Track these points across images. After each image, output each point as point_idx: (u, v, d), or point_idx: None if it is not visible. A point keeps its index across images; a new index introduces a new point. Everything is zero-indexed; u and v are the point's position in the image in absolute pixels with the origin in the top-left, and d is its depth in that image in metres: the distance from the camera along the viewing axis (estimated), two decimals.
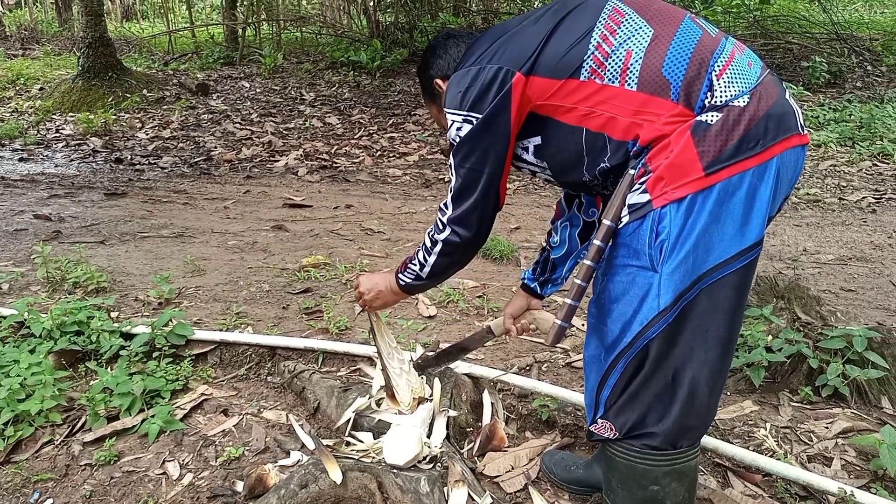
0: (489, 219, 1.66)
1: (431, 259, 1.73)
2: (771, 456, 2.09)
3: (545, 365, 2.66)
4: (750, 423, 2.30)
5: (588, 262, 1.52)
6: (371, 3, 12.29)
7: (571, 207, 1.91)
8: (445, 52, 1.71)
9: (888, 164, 6.11)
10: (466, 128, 1.55)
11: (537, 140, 1.58)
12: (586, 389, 1.64)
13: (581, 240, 1.91)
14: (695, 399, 1.49)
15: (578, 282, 1.55)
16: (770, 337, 2.53)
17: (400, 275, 1.85)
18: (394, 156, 6.96)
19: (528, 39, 1.53)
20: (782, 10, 11.83)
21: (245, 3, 12.97)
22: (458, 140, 1.58)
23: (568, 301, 1.58)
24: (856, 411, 2.36)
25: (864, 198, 5.23)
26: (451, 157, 1.62)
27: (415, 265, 1.79)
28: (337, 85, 10.08)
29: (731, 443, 2.15)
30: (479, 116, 1.53)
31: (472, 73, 1.54)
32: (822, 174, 5.83)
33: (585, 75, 1.47)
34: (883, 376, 2.39)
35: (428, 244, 1.72)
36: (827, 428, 2.27)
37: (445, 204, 1.66)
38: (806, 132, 1.48)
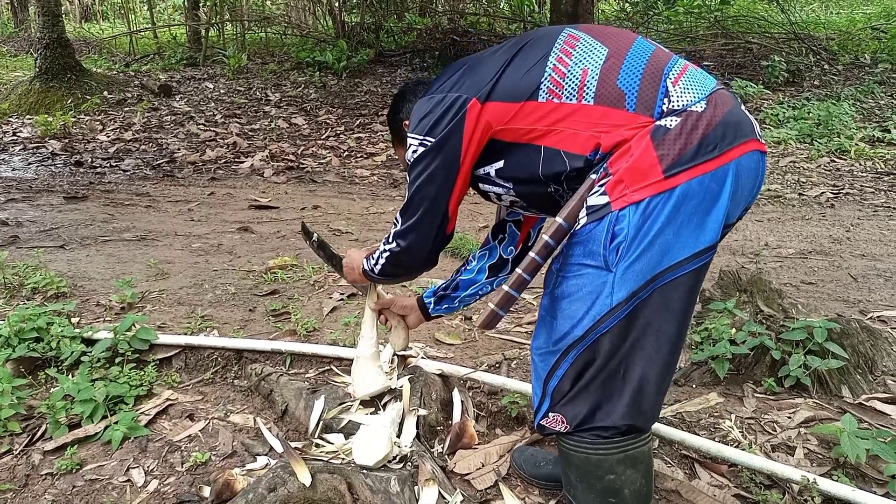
0: (432, 241, 1.70)
1: (381, 261, 1.82)
2: (736, 446, 2.12)
3: (514, 362, 2.67)
4: (715, 414, 2.34)
5: (534, 256, 1.58)
6: (336, 4, 12.22)
7: (496, 238, 1.99)
8: (415, 96, 1.77)
9: (845, 160, 6.26)
10: (420, 150, 1.62)
11: (499, 164, 1.64)
12: (533, 380, 1.66)
13: (489, 272, 1.99)
14: (643, 394, 1.52)
15: (521, 273, 1.60)
16: (734, 330, 2.57)
17: (364, 259, 1.93)
18: (361, 156, 6.93)
19: (486, 68, 1.60)
20: (742, 10, 12.06)
21: (208, 3, 12.79)
22: (412, 160, 1.64)
23: (506, 288, 1.63)
24: (817, 401, 2.41)
25: (822, 193, 5.35)
26: (407, 175, 1.70)
27: (372, 259, 1.87)
28: (303, 85, 10.00)
29: (698, 434, 2.18)
30: (433, 140, 1.59)
31: (433, 100, 1.61)
32: (782, 171, 5.95)
33: (543, 96, 1.52)
34: (843, 366, 2.44)
35: (381, 247, 1.81)
36: (790, 418, 2.31)
37: (396, 217, 1.73)
38: (763, 141, 1.53)
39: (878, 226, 4.57)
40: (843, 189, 5.46)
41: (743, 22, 11.17)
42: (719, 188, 1.43)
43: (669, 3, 11.92)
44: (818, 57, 9.62)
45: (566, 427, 1.59)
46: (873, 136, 6.75)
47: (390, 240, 1.75)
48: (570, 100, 1.51)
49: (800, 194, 5.35)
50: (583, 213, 1.50)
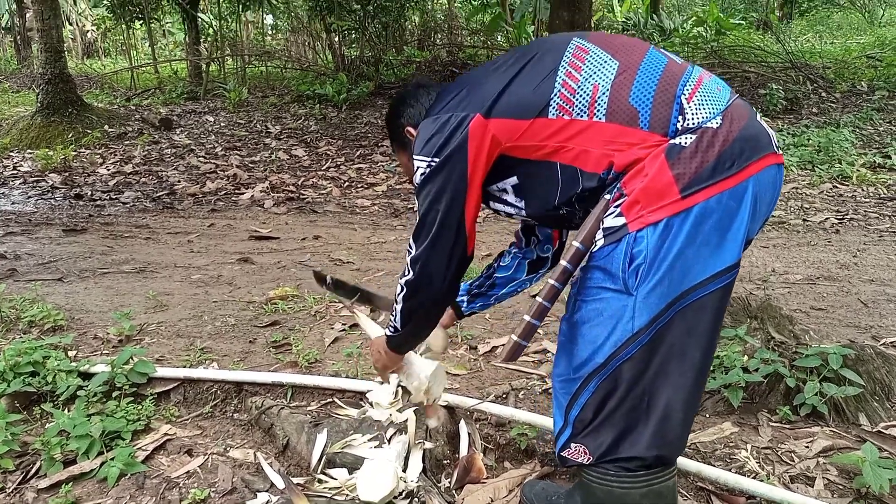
0: (449, 262, 1.60)
1: (399, 305, 1.70)
2: (753, 478, 2.05)
3: (522, 392, 2.60)
4: (731, 444, 2.27)
5: (553, 282, 1.52)
6: (336, 39, 12.35)
7: (529, 242, 1.95)
8: (416, 100, 1.73)
9: (847, 185, 6.24)
10: (427, 171, 1.58)
11: (514, 180, 1.60)
12: (554, 408, 1.60)
13: (529, 269, 1.94)
14: (669, 422, 1.46)
15: (541, 301, 1.54)
16: (746, 357, 2.51)
17: (386, 330, 1.81)
18: (362, 186, 6.92)
19: (491, 84, 1.56)
20: (738, 40, 12.20)
21: (209, 39, 12.94)
22: (419, 183, 1.60)
23: (527, 318, 1.57)
24: (835, 429, 2.34)
25: (826, 219, 5.32)
26: (416, 198, 1.64)
27: (392, 317, 1.75)
28: (303, 118, 10.05)
29: (713, 465, 2.11)
30: (438, 160, 1.55)
31: (439, 120, 1.57)
32: (785, 197, 5.92)
33: (553, 113, 1.48)
34: (859, 393, 2.38)
35: (397, 290, 1.70)
36: (807, 447, 2.24)
37: (409, 244, 1.65)
38: (780, 152, 1.49)
39: (885, 251, 4.52)
40: (847, 215, 5.43)
41: (739, 51, 11.29)
42: (738, 205, 1.39)
43: (666, 36, 12.06)
44: (815, 85, 9.69)
45: (589, 458, 1.53)
46: (874, 161, 6.75)
47: (406, 271, 1.66)
48: (581, 116, 1.47)
49: (804, 220, 5.31)
50: (599, 234, 1.46)
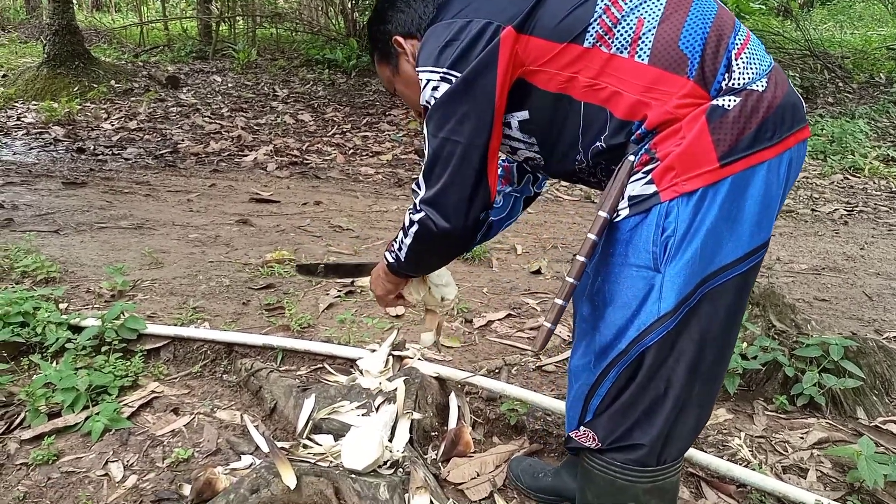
0: (470, 207, 1.38)
1: (407, 240, 1.50)
2: (745, 466, 2.01)
3: (515, 368, 2.56)
4: (724, 431, 2.23)
5: (581, 258, 1.34)
6: (349, 3, 12.16)
7: (523, 180, 1.76)
8: (408, 5, 1.48)
9: (859, 177, 6.16)
10: (444, 87, 1.33)
11: (524, 115, 1.39)
12: (569, 397, 1.47)
13: (524, 206, 1.78)
14: (685, 412, 1.36)
15: (571, 280, 1.35)
16: (745, 344, 2.47)
17: (386, 252, 1.63)
18: (367, 154, 6.84)
19: None
20: (757, 24, 11.97)
21: None
22: (432, 102, 1.35)
23: (559, 302, 1.37)
24: (831, 421, 2.30)
25: (835, 210, 5.24)
26: (424, 125, 1.39)
27: (395, 244, 1.57)
28: (311, 82, 9.93)
29: (705, 451, 2.07)
30: (459, 75, 1.31)
31: (455, 26, 1.33)
32: (795, 186, 5.84)
33: (590, 41, 1.29)
34: (859, 386, 2.34)
35: (405, 221, 1.49)
36: (802, 438, 2.20)
37: (417, 182, 1.43)
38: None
39: (893, 245, 4.46)
40: (856, 207, 5.35)
41: (758, 36, 11.05)
42: (775, 179, 1.27)
43: None
44: (833, 74, 9.53)
45: (597, 444, 1.41)
46: (888, 154, 6.65)
47: (416, 209, 1.43)
48: (622, 53, 1.28)
49: (812, 210, 5.24)
50: (623, 203, 1.30)
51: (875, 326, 3.11)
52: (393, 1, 1.51)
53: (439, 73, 1.33)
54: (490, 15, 1.32)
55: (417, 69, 1.39)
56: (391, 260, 1.60)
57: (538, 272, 3.69)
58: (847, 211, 5.25)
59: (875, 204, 5.44)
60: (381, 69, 1.59)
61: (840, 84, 9.23)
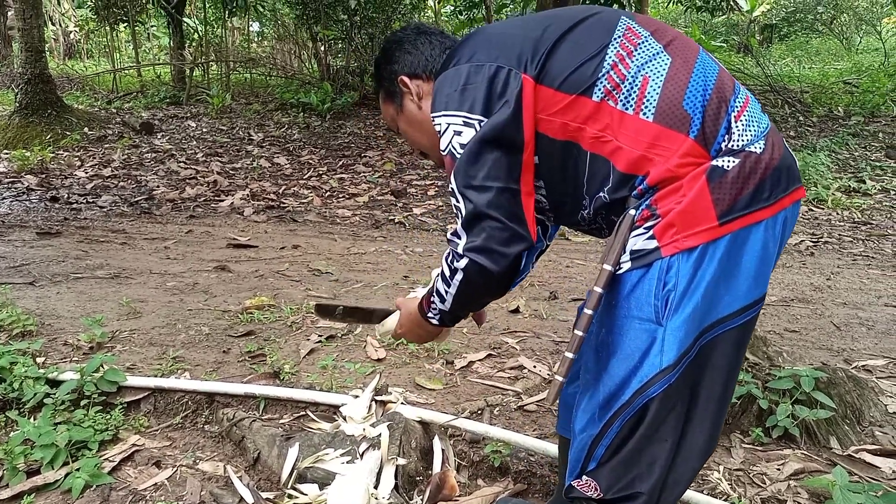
0: (515, 248, 1.37)
1: (451, 290, 1.46)
2: (725, 500, 2.05)
3: (497, 409, 2.59)
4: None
5: (588, 311, 1.36)
6: (322, 48, 12.35)
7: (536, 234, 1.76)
8: (415, 48, 1.53)
9: (822, 209, 6.34)
10: (468, 132, 1.34)
11: (535, 159, 1.42)
12: (573, 447, 1.47)
13: (536, 259, 1.80)
14: (685, 460, 1.39)
15: (579, 333, 1.37)
16: None
17: (429, 315, 1.58)
18: (343, 196, 6.90)
19: (528, 44, 1.38)
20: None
21: (194, 43, 12.87)
22: (457, 149, 1.36)
23: (569, 355, 1.39)
24: (806, 452, 2.36)
25: (801, 241, 5.39)
26: (453, 175, 1.38)
27: (434, 299, 1.53)
28: (286, 126, 10.01)
29: None
30: (485, 119, 1.33)
31: (467, 70, 1.37)
32: None
33: (598, 95, 1.34)
34: (831, 416, 2.40)
35: (445, 272, 1.45)
36: (779, 469, 2.25)
37: (456, 233, 1.40)
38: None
39: (858, 274, 4.59)
40: (822, 238, 5.51)
41: None
42: (771, 237, 1.32)
43: None
44: (793, 108, 9.85)
45: (599, 494, 1.41)
46: (849, 186, 6.87)
47: (459, 257, 1.39)
48: (627, 109, 1.32)
49: None
50: (625, 257, 1.33)
51: (844, 356, 3.20)
52: (401, 42, 1.56)
53: (461, 116, 1.35)
54: (502, 60, 1.36)
55: (434, 115, 1.41)
56: (433, 318, 1.57)
57: (516, 311, 3.74)
58: (813, 242, 5.40)
59: (839, 234, 5.60)
60: (386, 107, 1.63)
61: (801, 118, 9.53)
